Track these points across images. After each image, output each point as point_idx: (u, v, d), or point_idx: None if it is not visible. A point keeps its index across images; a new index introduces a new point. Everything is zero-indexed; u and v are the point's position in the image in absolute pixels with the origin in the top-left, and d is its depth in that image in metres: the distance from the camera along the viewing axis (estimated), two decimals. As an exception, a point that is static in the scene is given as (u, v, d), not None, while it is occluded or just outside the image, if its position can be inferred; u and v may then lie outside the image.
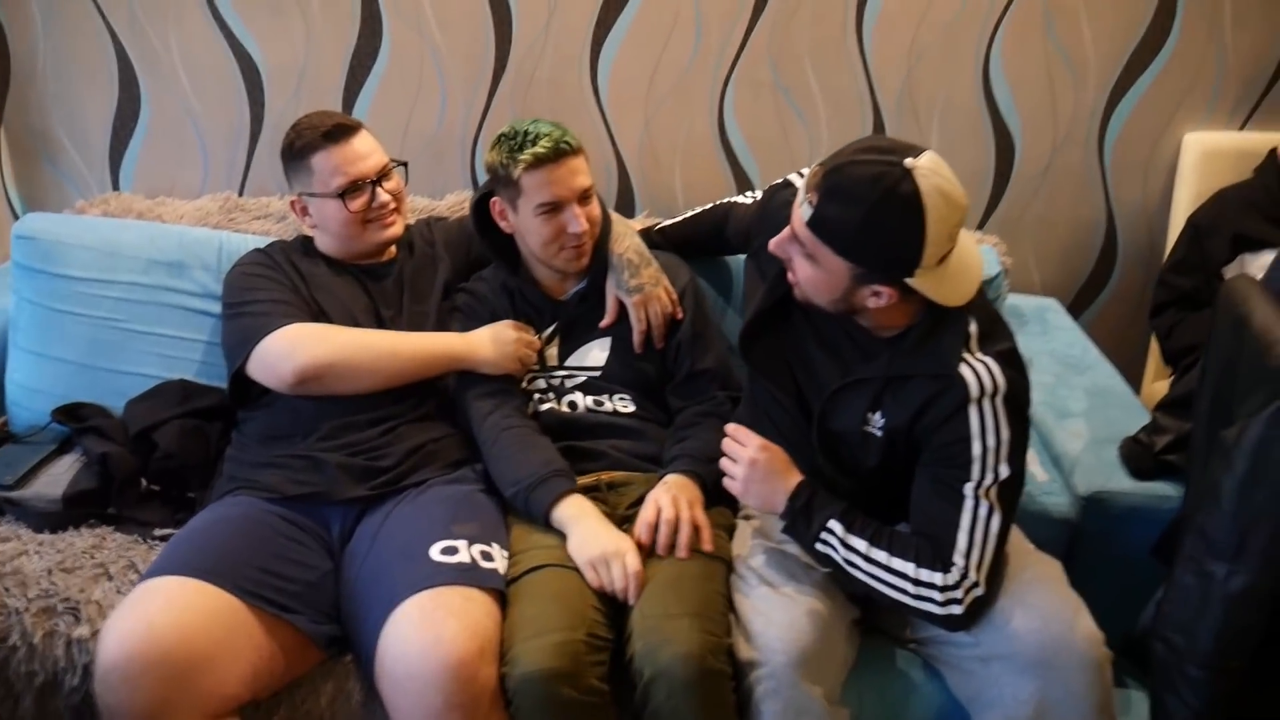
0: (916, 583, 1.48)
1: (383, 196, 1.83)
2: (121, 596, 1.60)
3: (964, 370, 1.46)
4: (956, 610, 1.47)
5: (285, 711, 1.57)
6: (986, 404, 1.45)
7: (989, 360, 1.47)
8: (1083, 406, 2.01)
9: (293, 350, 1.70)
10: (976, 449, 1.46)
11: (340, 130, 1.81)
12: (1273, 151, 2.22)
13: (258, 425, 1.80)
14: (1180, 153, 2.39)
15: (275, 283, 1.82)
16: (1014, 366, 1.49)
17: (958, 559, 1.47)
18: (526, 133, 1.73)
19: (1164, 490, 1.75)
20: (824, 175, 1.39)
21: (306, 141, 1.81)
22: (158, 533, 1.79)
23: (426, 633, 1.44)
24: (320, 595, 1.60)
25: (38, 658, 1.56)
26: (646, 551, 1.62)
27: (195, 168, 2.47)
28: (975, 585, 1.47)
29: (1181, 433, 1.73)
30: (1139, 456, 1.79)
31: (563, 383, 1.86)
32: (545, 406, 1.85)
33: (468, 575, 1.53)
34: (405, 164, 1.92)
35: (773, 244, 1.50)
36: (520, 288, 1.89)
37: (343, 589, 1.62)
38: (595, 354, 1.87)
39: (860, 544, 1.51)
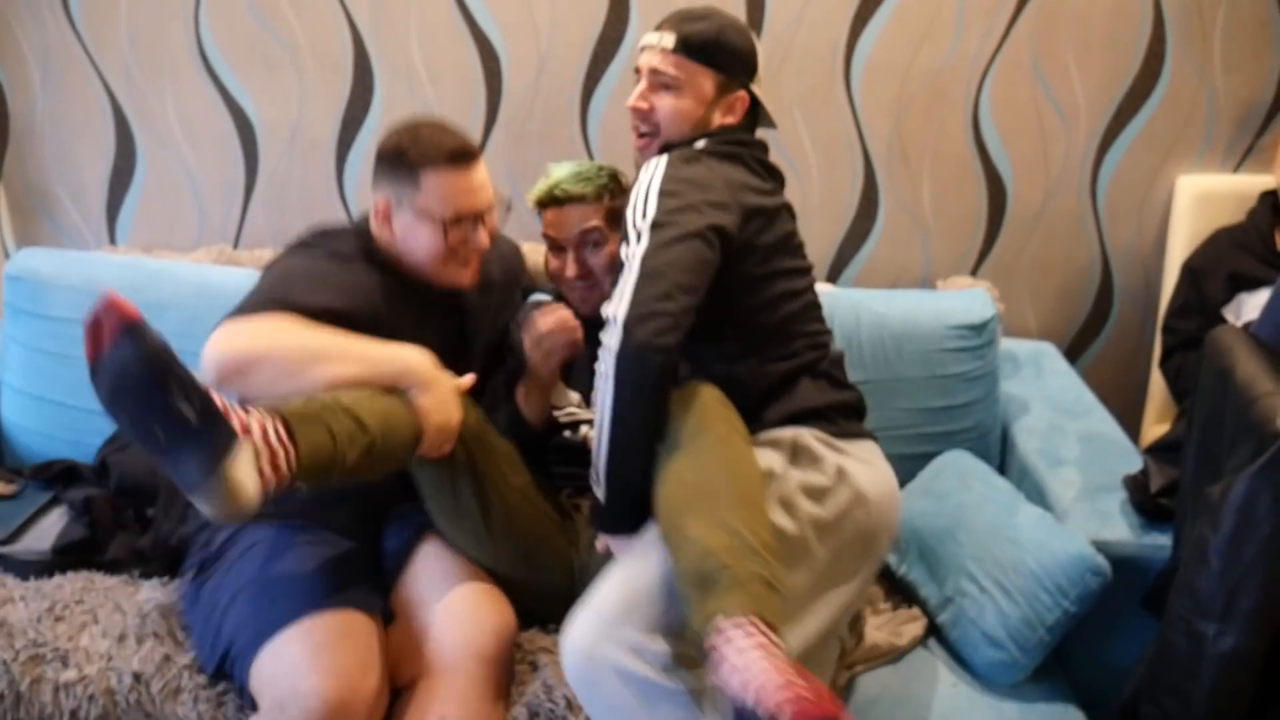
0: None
1: (481, 238, 1.70)
2: (107, 641, 1.62)
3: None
4: (612, 342, 1.48)
5: None
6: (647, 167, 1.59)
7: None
8: (1075, 454, 1.98)
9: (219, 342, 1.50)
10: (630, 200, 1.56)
11: (465, 156, 1.66)
12: (1264, 194, 2.20)
13: None
14: (1174, 196, 2.38)
15: (340, 294, 1.63)
16: (689, 159, 1.58)
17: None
18: (547, 173, 1.80)
19: (1158, 540, 1.71)
20: (670, 18, 1.68)
21: (426, 155, 1.64)
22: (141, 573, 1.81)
23: None
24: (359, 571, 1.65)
25: (24, 704, 1.57)
26: None
27: (190, 221, 2.49)
28: (612, 320, 1.48)
29: (1171, 479, 1.71)
30: (1138, 492, 1.78)
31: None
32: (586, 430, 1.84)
33: None
34: (509, 207, 1.83)
35: (636, 99, 1.68)
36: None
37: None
38: None
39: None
